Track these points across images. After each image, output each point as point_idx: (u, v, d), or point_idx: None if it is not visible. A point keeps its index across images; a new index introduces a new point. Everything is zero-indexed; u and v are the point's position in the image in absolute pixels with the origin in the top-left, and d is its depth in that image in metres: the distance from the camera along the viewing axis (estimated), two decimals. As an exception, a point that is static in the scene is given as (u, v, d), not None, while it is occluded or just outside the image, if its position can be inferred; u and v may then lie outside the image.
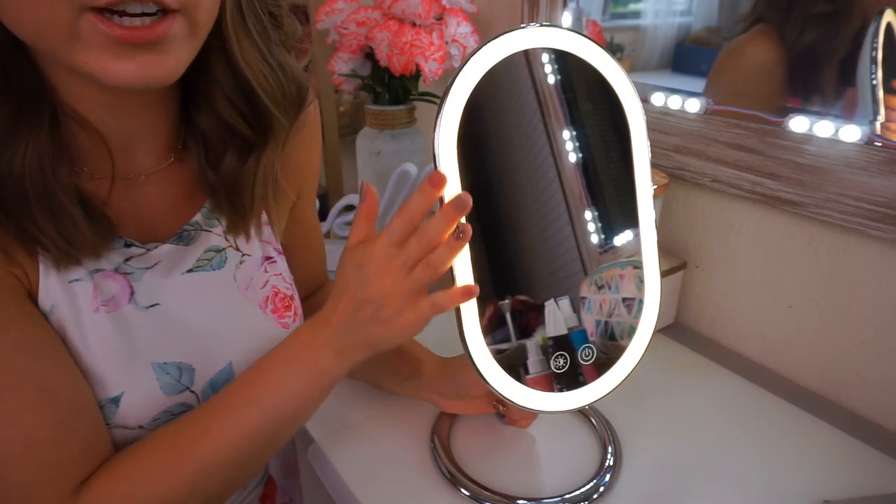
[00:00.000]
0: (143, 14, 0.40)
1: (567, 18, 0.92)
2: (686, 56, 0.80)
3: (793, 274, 0.73)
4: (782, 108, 0.69)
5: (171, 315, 0.54)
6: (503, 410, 0.63)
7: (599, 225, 0.53)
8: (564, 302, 0.53)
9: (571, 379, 0.54)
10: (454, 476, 0.58)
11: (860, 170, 0.63)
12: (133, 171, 0.54)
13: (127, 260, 0.53)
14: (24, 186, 0.44)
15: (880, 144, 0.62)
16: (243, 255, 0.60)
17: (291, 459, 0.74)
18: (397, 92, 1.03)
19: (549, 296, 0.53)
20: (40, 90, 0.46)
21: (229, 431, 0.49)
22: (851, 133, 0.63)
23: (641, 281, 0.56)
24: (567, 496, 0.57)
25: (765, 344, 0.78)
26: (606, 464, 0.60)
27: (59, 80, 0.46)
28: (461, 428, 0.66)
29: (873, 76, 0.62)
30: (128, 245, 0.53)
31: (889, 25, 0.60)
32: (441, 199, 0.47)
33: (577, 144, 0.52)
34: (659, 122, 0.81)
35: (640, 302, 0.56)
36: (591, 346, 0.54)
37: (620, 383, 0.56)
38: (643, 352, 0.56)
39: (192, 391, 0.55)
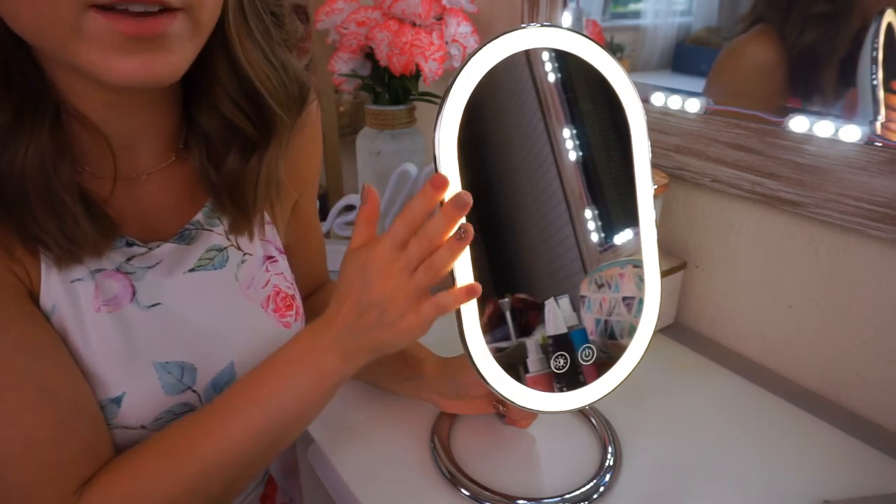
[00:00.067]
0: (146, 13, 0.40)
1: (567, 18, 0.92)
2: (686, 56, 0.80)
3: (793, 274, 0.73)
4: (782, 108, 0.69)
5: (173, 314, 0.54)
6: (503, 410, 0.63)
7: (599, 224, 0.53)
8: (564, 300, 0.53)
9: (571, 379, 0.54)
10: (454, 476, 0.58)
11: (860, 170, 0.63)
12: (135, 171, 0.54)
13: (129, 259, 0.53)
14: (26, 184, 0.44)
15: (880, 144, 0.62)
16: (245, 254, 0.60)
17: (292, 461, 0.74)
18: (397, 92, 1.03)
19: (549, 294, 0.53)
20: (43, 89, 0.46)
21: (233, 433, 0.49)
22: (851, 133, 0.63)
23: (641, 280, 0.56)
24: (567, 496, 0.57)
25: (765, 344, 0.78)
26: (606, 464, 0.60)
27: (61, 79, 0.46)
28: (461, 428, 0.66)
29: (874, 76, 0.62)
30: (129, 244, 0.53)
31: (889, 25, 0.60)
32: (442, 201, 0.47)
33: (578, 144, 0.52)
34: (659, 122, 0.81)
35: (640, 301, 0.56)
36: (591, 345, 0.54)
37: (620, 383, 0.56)
38: (643, 352, 0.56)
39: (194, 391, 0.55)
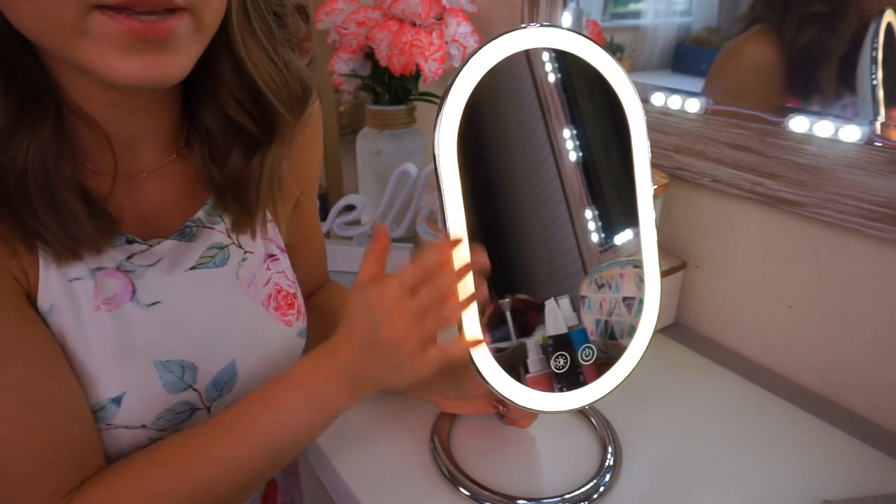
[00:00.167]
0: (150, 13, 0.40)
1: (567, 18, 0.92)
2: (686, 56, 0.80)
3: (793, 274, 0.73)
4: (782, 108, 0.69)
5: (173, 313, 0.54)
6: (503, 410, 0.63)
7: (599, 224, 0.54)
8: (564, 301, 0.53)
9: (571, 379, 0.54)
10: (454, 476, 0.58)
11: (860, 170, 0.63)
12: (136, 169, 0.54)
13: (129, 257, 0.53)
14: (27, 180, 0.44)
15: (880, 144, 0.62)
16: (246, 252, 0.60)
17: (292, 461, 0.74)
18: (397, 92, 1.03)
19: (549, 295, 0.53)
20: (45, 86, 0.46)
21: (234, 452, 0.50)
22: (851, 133, 0.63)
23: (641, 280, 0.56)
24: (567, 496, 0.57)
25: (765, 344, 0.78)
26: (606, 464, 0.60)
27: (64, 77, 0.46)
28: (461, 428, 0.66)
29: (873, 76, 0.62)
30: (129, 242, 0.53)
31: (889, 25, 0.60)
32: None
33: (578, 144, 0.52)
34: (659, 122, 0.81)
35: (640, 301, 0.56)
36: (592, 346, 0.54)
37: (620, 383, 0.56)
38: (643, 352, 0.56)
39: (195, 389, 0.55)
